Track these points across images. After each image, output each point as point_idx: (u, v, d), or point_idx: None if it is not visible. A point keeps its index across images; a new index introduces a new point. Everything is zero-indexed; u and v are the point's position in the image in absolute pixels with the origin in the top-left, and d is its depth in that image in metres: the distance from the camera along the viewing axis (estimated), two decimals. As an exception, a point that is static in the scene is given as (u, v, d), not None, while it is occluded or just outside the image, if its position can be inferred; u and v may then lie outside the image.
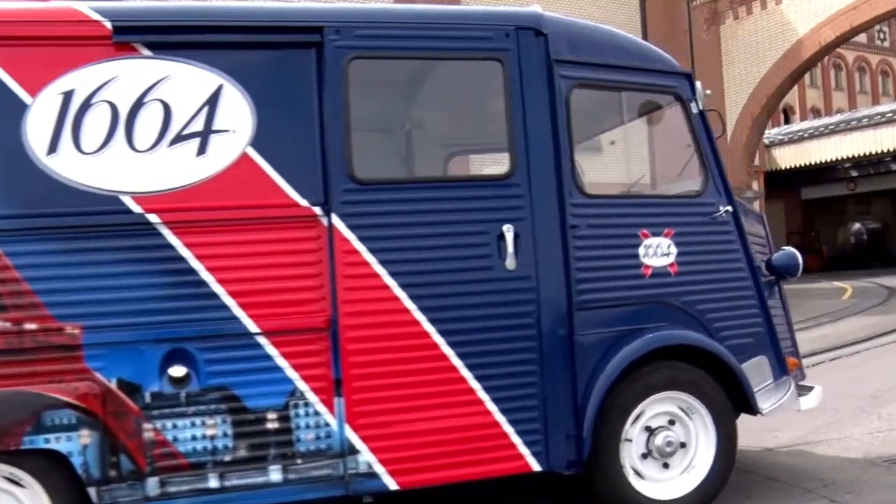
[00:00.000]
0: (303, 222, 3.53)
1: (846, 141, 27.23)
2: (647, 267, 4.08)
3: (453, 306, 3.64)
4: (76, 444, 3.23)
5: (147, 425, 3.36)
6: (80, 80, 3.37)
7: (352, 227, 3.53)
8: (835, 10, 17.76)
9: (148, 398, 3.36)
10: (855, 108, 37.69)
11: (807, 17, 18.34)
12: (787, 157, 28.92)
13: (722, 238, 4.32)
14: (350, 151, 3.54)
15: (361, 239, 3.54)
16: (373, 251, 3.55)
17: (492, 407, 3.67)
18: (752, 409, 4.20)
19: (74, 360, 3.28)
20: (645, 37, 21.43)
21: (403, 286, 3.58)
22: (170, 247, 3.41)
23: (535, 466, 3.73)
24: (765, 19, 19.35)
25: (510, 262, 3.70)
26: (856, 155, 27.30)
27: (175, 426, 3.39)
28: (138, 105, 3.42)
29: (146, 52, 3.46)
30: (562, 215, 3.84)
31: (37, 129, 3.31)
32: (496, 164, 3.93)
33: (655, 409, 4.05)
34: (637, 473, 4.00)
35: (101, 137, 3.37)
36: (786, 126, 33.07)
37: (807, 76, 39.25)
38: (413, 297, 3.59)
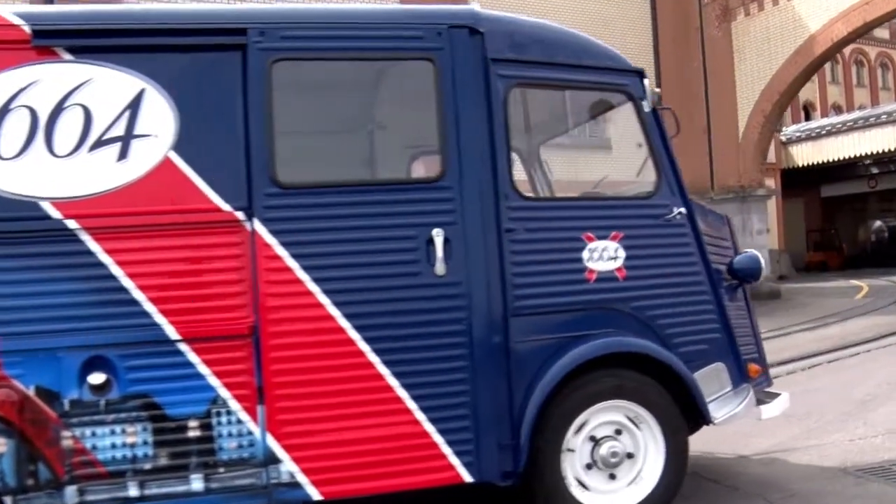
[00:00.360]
0: (226, 227, 3.47)
1: (866, 138, 26.79)
2: (591, 271, 3.96)
3: (380, 313, 3.56)
4: (-9, 452, 3.20)
5: (66, 433, 3.32)
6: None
7: (274, 233, 3.47)
8: (847, 6, 17.39)
9: (67, 405, 3.32)
10: (877, 104, 37.05)
11: (819, 13, 17.99)
12: (805, 155, 28.52)
13: (675, 241, 4.20)
14: (273, 155, 3.48)
15: (284, 244, 3.47)
16: (296, 256, 3.48)
17: (420, 416, 3.58)
18: (704, 419, 4.07)
19: None
20: (656, 34, 21.26)
21: (327, 292, 3.51)
22: (90, 253, 3.37)
23: (467, 477, 3.64)
24: (776, 15, 19.02)
25: (439, 268, 3.62)
26: (876, 152, 26.84)
27: (94, 434, 3.35)
28: (58, 110, 3.38)
29: (67, 56, 3.42)
30: (497, 219, 3.75)
31: None
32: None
33: (601, 418, 3.94)
34: (581, 484, 3.89)
35: (20, 142, 3.34)
36: (804, 123, 32.59)
37: (828, 73, 38.74)
38: (337, 304, 3.52)
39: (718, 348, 4.28)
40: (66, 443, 3.32)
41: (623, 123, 4.31)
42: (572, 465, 3.88)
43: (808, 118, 36.73)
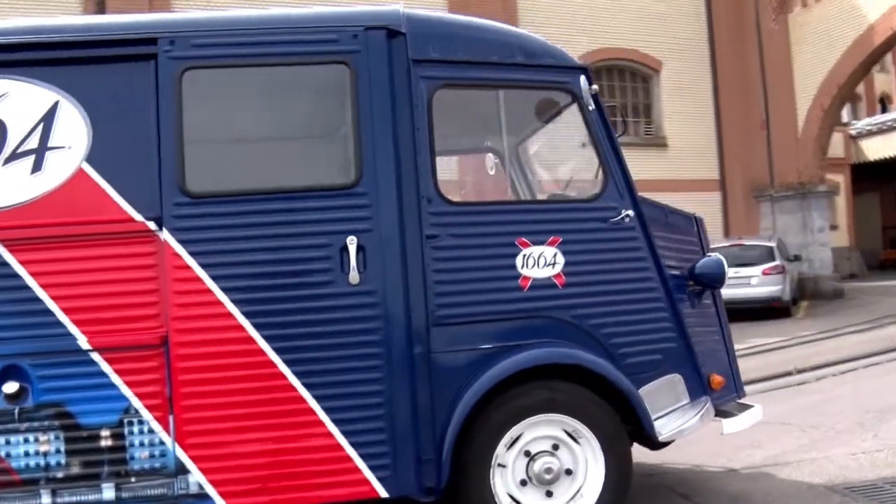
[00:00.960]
0: (138, 237, 3.48)
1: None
2: (525, 278, 3.82)
3: (291, 323, 3.51)
4: None
5: (-20, 441, 3.38)
6: None
7: (183, 242, 3.46)
8: (907, -7, 16.60)
9: None
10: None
11: (878, 2, 17.16)
12: (877, 148, 27.25)
13: (623, 245, 4.01)
14: (182, 165, 3.47)
15: (193, 254, 3.46)
16: (205, 266, 3.46)
17: (333, 428, 3.51)
18: (649, 434, 3.87)
19: None
20: (711, 28, 20.63)
21: (237, 302, 3.47)
22: (4, 264, 3.42)
23: (382, 492, 3.54)
24: (834, 6, 18.24)
25: (353, 276, 3.54)
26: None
27: (8, 442, 3.40)
28: (-27, 124, 3.45)
29: (-18, 69, 3.49)
30: (419, 224, 3.65)
31: None
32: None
33: (536, 432, 3.78)
34: (515, 501, 3.75)
35: None
36: (877, 116, 31.13)
37: (905, 62, 36.81)
38: (247, 314, 3.48)
39: (674, 358, 4.08)
40: (-20, 451, 3.38)
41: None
42: (504, 481, 3.73)
43: (884, 110, 35.08)
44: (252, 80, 3.62)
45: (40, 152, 3.47)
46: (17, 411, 3.40)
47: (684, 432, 3.98)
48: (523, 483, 3.75)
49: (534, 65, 3.92)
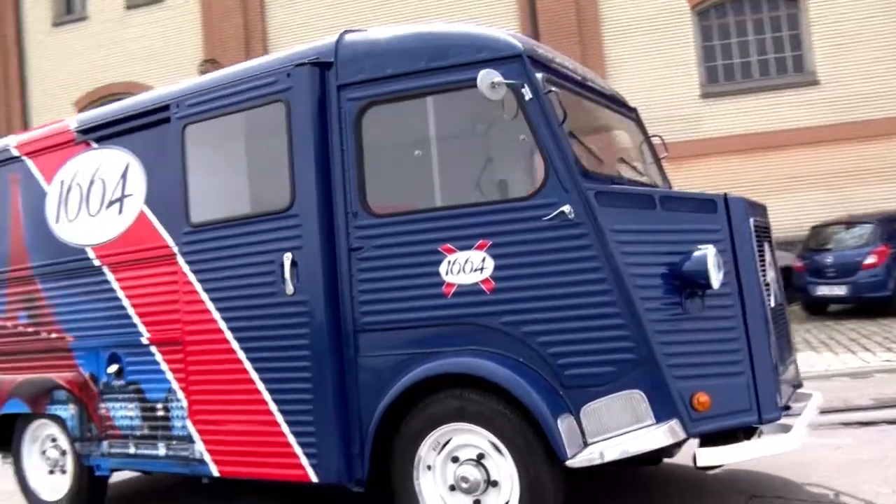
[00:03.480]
0: (170, 260, 4.55)
1: None
2: (449, 285, 3.81)
3: (254, 327, 4.19)
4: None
5: (102, 404, 4.88)
6: (66, 170, 5.05)
7: (187, 262, 4.43)
8: None
9: (101, 386, 4.88)
10: None
11: None
12: None
13: (564, 245, 3.67)
14: (188, 201, 4.43)
15: (193, 272, 4.41)
16: (200, 282, 4.38)
17: (280, 418, 4.09)
18: (558, 455, 3.49)
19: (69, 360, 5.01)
20: None
21: (218, 310, 4.31)
22: (107, 281, 4.85)
23: (314, 478, 3.99)
24: None
25: (289, 288, 4.05)
26: None
27: (114, 407, 4.85)
28: (90, 183, 4.93)
29: (95, 145, 4.95)
30: (347, 238, 3.97)
31: (50, 206, 5.12)
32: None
33: (463, 439, 3.77)
34: (444, 502, 3.83)
35: (75, 208, 5.00)
36: None
37: None
38: (225, 320, 4.29)
39: (632, 372, 3.59)
40: (102, 411, 4.87)
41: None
42: (435, 483, 3.83)
43: None
44: (224, 127, 4.37)
45: (122, 200, 4.79)
46: (117, 385, 4.80)
47: (623, 456, 3.51)
48: (452, 488, 3.80)
49: (466, 63, 3.82)
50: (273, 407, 4.14)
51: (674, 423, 3.55)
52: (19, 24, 20.46)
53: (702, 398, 3.60)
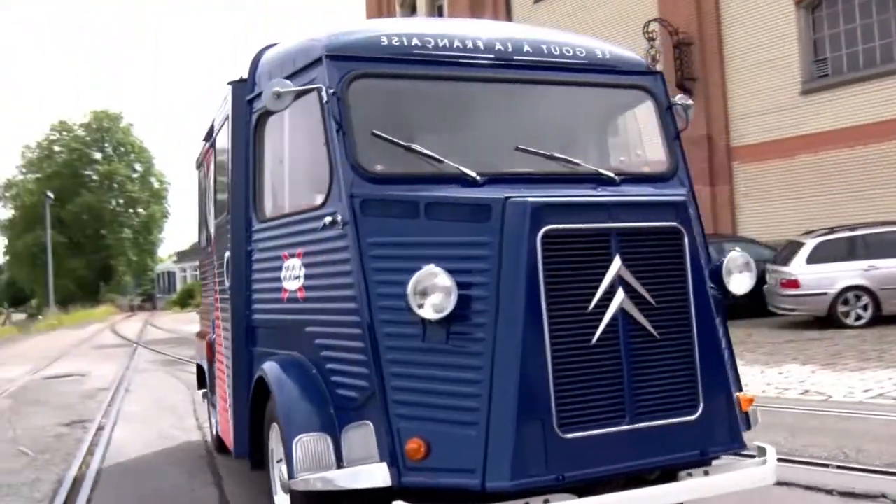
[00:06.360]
0: None
1: None
2: (284, 290, 3.93)
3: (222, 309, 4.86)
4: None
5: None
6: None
7: None
8: None
9: None
10: None
11: None
12: None
13: (333, 257, 3.52)
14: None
15: None
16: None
17: (226, 401, 4.71)
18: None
19: None
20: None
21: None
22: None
23: (233, 452, 4.52)
24: None
25: (226, 282, 4.56)
26: None
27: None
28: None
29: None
30: (248, 241, 4.32)
31: None
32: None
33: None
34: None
35: None
36: None
37: None
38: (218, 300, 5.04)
39: (370, 402, 3.25)
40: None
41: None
42: (280, 475, 3.99)
43: None
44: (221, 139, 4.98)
45: None
46: None
47: (323, 487, 3.20)
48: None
49: (303, 67, 3.80)
50: (220, 391, 4.79)
51: (384, 467, 3.11)
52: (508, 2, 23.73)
53: (413, 444, 3.07)
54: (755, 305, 13.31)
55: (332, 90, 3.50)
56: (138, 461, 6.48)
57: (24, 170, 59.29)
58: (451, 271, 3.06)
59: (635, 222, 3.18)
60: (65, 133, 59.60)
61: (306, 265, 3.72)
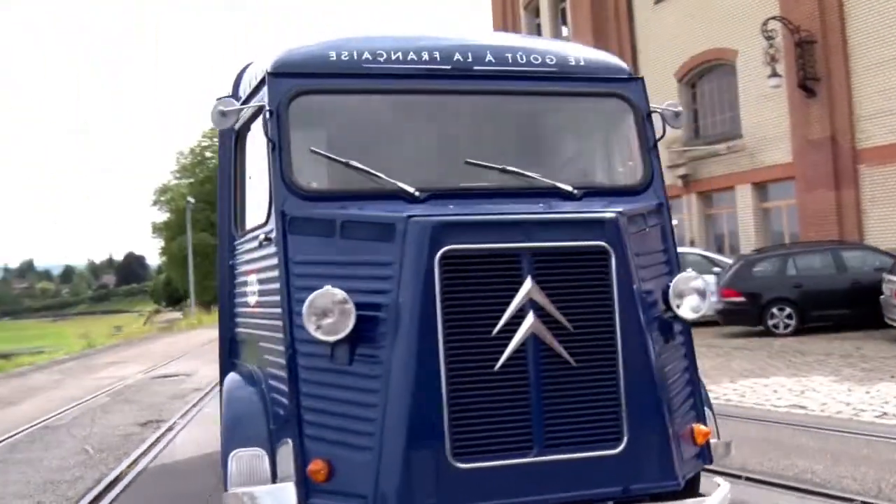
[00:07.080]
0: None
1: None
2: (248, 304, 4.06)
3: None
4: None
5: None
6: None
7: None
8: None
9: None
10: None
11: None
12: None
13: (269, 276, 3.59)
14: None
15: None
16: None
17: None
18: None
19: None
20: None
21: None
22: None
23: None
24: None
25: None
26: None
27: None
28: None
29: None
30: (232, 255, 4.42)
31: None
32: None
33: None
34: None
35: None
36: None
37: None
38: None
39: (290, 421, 3.23)
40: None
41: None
42: None
43: None
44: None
45: None
46: None
47: None
48: None
49: (258, 84, 3.83)
50: None
51: (289, 487, 3.09)
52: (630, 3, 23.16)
53: (315, 466, 3.05)
54: (870, 316, 12.35)
55: (268, 108, 3.52)
56: (184, 463, 6.74)
57: (178, 175, 62.93)
58: (358, 291, 3.02)
59: (553, 241, 3.02)
60: (215, 139, 63.30)
61: (259, 281, 3.78)
